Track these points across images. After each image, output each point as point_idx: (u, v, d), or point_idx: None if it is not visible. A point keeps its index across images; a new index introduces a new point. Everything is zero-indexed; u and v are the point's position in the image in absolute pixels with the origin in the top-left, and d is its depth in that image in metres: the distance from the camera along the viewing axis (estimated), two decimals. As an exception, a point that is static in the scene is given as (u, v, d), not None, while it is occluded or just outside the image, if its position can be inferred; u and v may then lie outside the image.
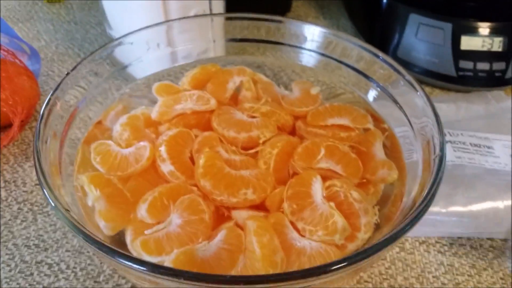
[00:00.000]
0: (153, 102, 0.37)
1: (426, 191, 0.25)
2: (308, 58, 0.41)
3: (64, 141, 0.31)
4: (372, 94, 0.38)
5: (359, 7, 0.62)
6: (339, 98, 0.40)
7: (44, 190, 0.24)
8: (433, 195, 0.25)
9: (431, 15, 0.51)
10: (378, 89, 0.37)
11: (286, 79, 0.43)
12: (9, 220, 0.38)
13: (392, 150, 0.34)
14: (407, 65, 0.54)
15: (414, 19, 0.52)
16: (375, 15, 0.57)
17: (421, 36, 0.52)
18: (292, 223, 0.28)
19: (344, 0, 0.67)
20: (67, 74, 0.31)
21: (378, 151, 0.33)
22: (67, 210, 0.23)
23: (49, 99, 0.29)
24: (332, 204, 0.28)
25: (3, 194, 0.40)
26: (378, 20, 0.57)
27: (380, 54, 0.36)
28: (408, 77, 0.34)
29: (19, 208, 0.39)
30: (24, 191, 0.40)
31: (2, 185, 0.41)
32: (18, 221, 0.38)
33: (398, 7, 0.54)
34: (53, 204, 0.23)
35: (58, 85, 0.30)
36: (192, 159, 0.32)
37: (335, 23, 0.63)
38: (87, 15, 0.63)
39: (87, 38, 0.58)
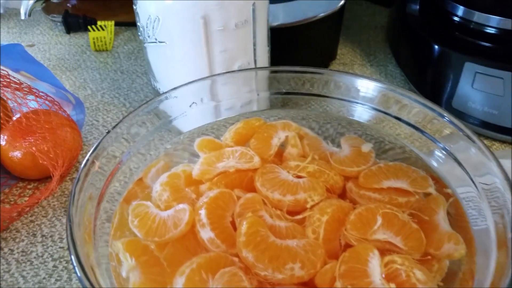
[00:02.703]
0: (196, 156, 0.36)
1: (507, 277, 0.22)
2: (356, 112, 0.39)
3: (102, 201, 0.29)
4: (429, 151, 0.35)
5: (408, 54, 0.59)
6: (389, 154, 0.37)
7: (76, 270, 0.22)
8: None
9: (489, 63, 0.48)
10: (435, 144, 0.34)
11: (333, 131, 0.41)
12: (44, 278, 0.36)
13: (458, 219, 0.30)
14: (462, 116, 0.50)
15: (469, 68, 0.49)
16: (426, 62, 0.54)
17: (478, 86, 0.49)
18: (345, 305, 0.24)
19: (392, 46, 0.65)
20: (108, 132, 0.30)
21: (442, 221, 0.29)
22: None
23: (87, 160, 0.28)
24: (392, 285, 0.24)
25: (40, 249, 0.39)
26: (430, 68, 0.54)
27: (440, 110, 0.33)
28: (469, 132, 0.31)
29: (54, 266, 0.37)
30: (60, 247, 0.39)
31: (39, 239, 0.40)
32: (53, 280, 0.36)
33: (451, 55, 0.51)
34: (85, 286, 0.21)
35: (98, 144, 0.29)
36: (233, 223, 0.30)
37: (383, 70, 0.61)
38: (133, 64, 0.63)
39: (133, 88, 0.58)
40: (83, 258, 0.22)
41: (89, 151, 0.29)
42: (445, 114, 0.32)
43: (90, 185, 0.28)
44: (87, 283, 0.21)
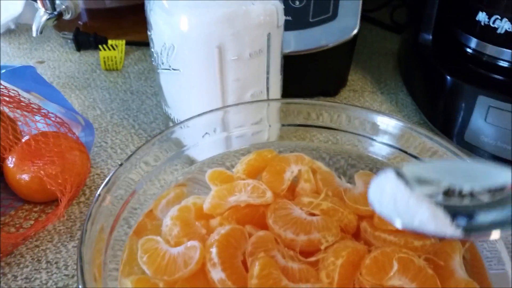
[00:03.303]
0: (207, 187, 0.36)
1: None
2: (369, 146, 0.39)
3: (113, 232, 0.29)
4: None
5: (419, 84, 0.59)
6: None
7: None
8: None
9: (502, 97, 0.48)
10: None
11: (344, 162, 0.40)
12: (47, 308, 0.36)
13: (474, 264, 0.29)
14: (475, 150, 0.50)
15: (483, 101, 0.49)
16: (438, 93, 0.54)
17: (491, 120, 0.48)
18: None
19: (403, 74, 0.65)
20: (121, 164, 0.30)
21: (458, 267, 0.28)
22: None
23: (98, 194, 0.27)
24: (409, 337, 0.23)
25: (44, 277, 0.38)
26: (442, 99, 0.53)
27: (453, 148, 0.33)
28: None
29: (58, 295, 0.37)
30: (65, 275, 0.38)
31: (44, 266, 0.39)
32: (56, 310, 0.35)
33: (465, 87, 0.50)
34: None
35: (109, 179, 0.29)
36: (245, 262, 0.29)
37: (394, 98, 0.61)
38: (143, 84, 0.63)
39: (143, 109, 0.58)
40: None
41: (94, 182, 0.28)
42: (463, 156, 0.32)
43: (101, 218, 0.27)
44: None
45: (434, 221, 0.21)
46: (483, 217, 0.21)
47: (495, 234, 0.20)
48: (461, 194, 0.22)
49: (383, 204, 0.23)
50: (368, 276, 0.27)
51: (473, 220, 0.21)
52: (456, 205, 0.22)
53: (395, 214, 0.23)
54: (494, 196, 0.22)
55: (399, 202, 0.23)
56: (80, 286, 0.23)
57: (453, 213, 0.21)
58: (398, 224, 0.23)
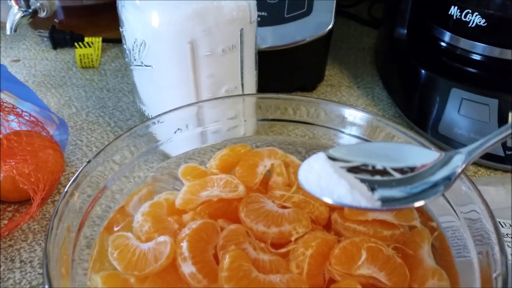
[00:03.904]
0: (181, 182, 0.36)
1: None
2: (342, 139, 0.39)
3: (82, 228, 0.29)
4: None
5: (395, 78, 0.60)
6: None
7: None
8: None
9: (475, 90, 0.48)
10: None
11: (320, 156, 0.41)
12: (20, 308, 0.35)
13: (442, 252, 0.30)
14: (448, 141, 0.50)
15: (456, 94, 0.50)
16: (413, 87, 0.55)
17: (464, 112, 0.49)
18: None
19: (379, 69, 0.65)
20: (88, 161, 0.30)
21: (427, 255, 0.29)
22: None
23: (66, 191, 0.27)
24: (375, 325, 0.24)
25: (18, 276, 0.38)
26: (416, 92, 0.54)
27: (423, 140, 0.33)
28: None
29: (31, 294, 0.36)
30: (39, 274, 0.38)
31: (18, 265, 0.38)
32: (29, 310, 0.35)
33: (438, 80, 0.51)
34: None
35: (76, 176, 0.28)
36: (216, 256, 0.29)
37: (370, 93, 0.61)
38: (120, 82, 0.63)
39: (119, 107, 0.57)
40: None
41: (69, 180, 0.28)
42: (430, 146, 0.32)
43: (69, 215, 0.27)
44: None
45: (351, 195, 0.24)
46: (398, 192, 0.25)
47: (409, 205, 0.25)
48: (380, 172, 0.26)
49: (309, 181, 0.26)
50: (337, 266, 0.27)
51: (389, 194, 0.25)
52: (377, 181, 0.25)
53: (319, 190, 0.26)
54: (410, 173, 0.26)
55: (323, 179, 0.26)
56: (46, 286, 0.22)
57: (373, 188, 0.25)
58: (326, 200, 0.26)
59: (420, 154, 0.27)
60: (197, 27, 0.38)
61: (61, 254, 0.25)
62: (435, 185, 0.25)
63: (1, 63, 0.52)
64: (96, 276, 0.27)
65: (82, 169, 0.29)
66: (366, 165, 0.26)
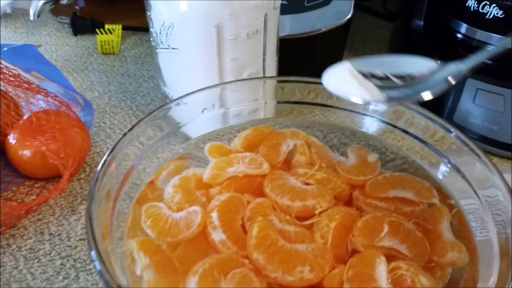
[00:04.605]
0: (204, 162, 0.37)
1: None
2: (361, 122, 0.40)
3: (117, 201, 0.30)
4: (432, 163, 0.36)
5: (411, 69, 0.61)
6: (391, 165, 0.38)
7: (97, 264, 0.22)
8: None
9: (490, 80, 0.49)
10: (439, 157, 0.35)
11: (337, 141, 0.42)
12: (51, 276, 0.37)
13: (460, 229, 0.31)
14: (463, 130, 0.51)
15: (471, 84, 0.51)
16: (428, 77, 0.56)
17: (479, 102, 0.50)
18: (353, 309, 0.25)
19: (395, 60, 0.66)
20: (124, 134, 0.31)
21: (446, 230, 0.30)
22: (119, 286, 0.22)
23: (105, 160, 0.28)
24: (398, 290, 0.25)
25: (47, 247, 0.39)
26: (432, 82, 0.55)
27: (445, 124, 0.35)
28: (473, 146, 0.32)
29: (62, 264, 0.38)
30: (68, 246, 0.39)
31: (47, 238, 0.40)
32: (60, 278, 0.37)
33: (454, 71, 0.52)
34: (106, 280, 0.22)
35: (114, 146, 0.30)
36: (243, 227, 0.30)
37: (385, 84, 0.62)
38: (140, 68, 0.64)
39: (140, 92, 0.59)
40: (102, 253, 0.23)
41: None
42: (451, 129, 0.33)
43: (107, 184, 0.29)
44: (108, 277, 0.22)
45: (359, 92, 0.30)
46: (406, 91, 0.30)
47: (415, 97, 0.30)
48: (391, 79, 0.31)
49: (329, 81, 0.33)
50: (360, 237, 0.29)
51: (397, 94, 0.30)
52: (387, 85, 0.31)
53: (335, 88, 0.32)
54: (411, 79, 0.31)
55: (340, 80, 0.32)
56: (90, 241, 0.24)
57: (383, 89, 0.30)
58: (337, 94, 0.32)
59: (424, 64, 0.32)
60: (224, 11, 0.39)
61: (101, 218, 0.27)
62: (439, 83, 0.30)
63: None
64: (131, 241, 0.28)
65: (119, 141, 0.30)
66: (380, 75, 0.31)
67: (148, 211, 0.30)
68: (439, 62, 0.32)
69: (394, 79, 0.31)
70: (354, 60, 0.33)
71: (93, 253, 0.23)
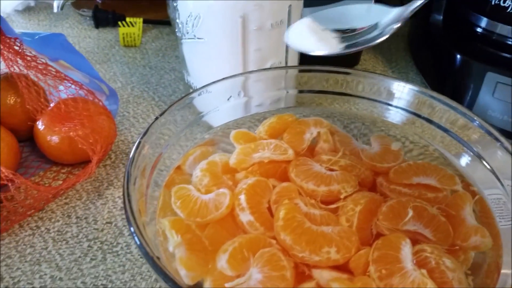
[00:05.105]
0: (227, 150, 0.38)
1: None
2: (382, 112, 0.41)
3: (150, 183, 0.31)
4: (455, 152, 0.37)
5: (429, 63, 0.61)
6: (412, 154, 0.38)
7: (136, 237, 0.23)
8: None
9: (510, 74, 0.50)
10: (461, 146, 0.36)
11: (357, 131, 0.42)
12: (79, 257, 0.38)
13: (483, 215, 0.32)
14: (482, 124, 0.52)
15: (491, 77, 0.51)
16: (448, 71, 0.56)
17: (499, 95, 0.50)
18: (379, 289, 0.26)
19: (414, 55, 0.67)
20: (156, 118, 0.32)
21: (469, 216, 0.31)
22: (158, 257, 0.23)
23: (139, 142, 0.30)
24: (424, 271, 0.26)
25: (75, 230, 0.40)
26: (451, 76, 0.55)
27: (469, 113, 0.35)
28: (498, 134, 0.32)
29: (89, 246, 0.39)
30: (95, 229, 0.40)
31: (74, 221, 0.41)
32: (88, 259, 0.38)
33: (473, 65, 0.52)
34: (145, 251, 0.23)
35: (148, 129, 0.31)
36: (269, 209, 0.31)
37: (404, 77, 0.63)
38: (161, 61, 0.65)
39: (161, 83, 0.60)
40: (141, 228, 0.24)
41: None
42: (475, 118, 0.34)
43: (141, 166, 0.30)
44: (148, 249, 0.23)
45: (317, 45, 0.34)
46: (362, 38, 0.34)
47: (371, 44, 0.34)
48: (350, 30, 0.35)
49: (290, 37, 0.35)
50: (385, 221, 0.29)
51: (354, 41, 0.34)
52: (345, 36, 0.34)
53: (296, 44, 0.35)
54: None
55: (300, 35, 0.35)
56: (130, 219, 0.25)
57: (343, 40, 0.34)
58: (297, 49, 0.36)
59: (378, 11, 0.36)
60: (250, 1, 0.40)
61: (137, 196, 0.28)
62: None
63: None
64: (164, 220, 0.29)
65: (152, 123, 0.31)
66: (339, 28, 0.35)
67: (178, 193, 0.31)
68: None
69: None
70: (311, 15, 0.36)
71: (132, 228, 0.24)
